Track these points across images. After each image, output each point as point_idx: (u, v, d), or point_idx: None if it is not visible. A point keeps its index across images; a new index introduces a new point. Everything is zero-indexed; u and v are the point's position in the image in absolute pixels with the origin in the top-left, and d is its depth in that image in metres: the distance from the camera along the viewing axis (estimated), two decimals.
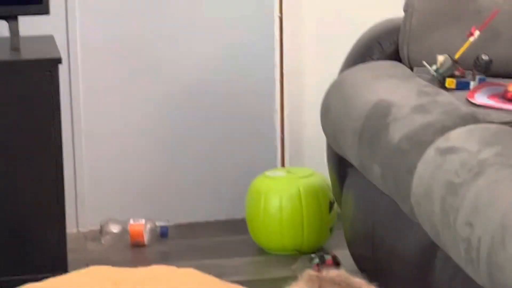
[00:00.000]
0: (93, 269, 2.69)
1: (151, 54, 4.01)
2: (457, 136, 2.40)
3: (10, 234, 3.23)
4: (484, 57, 3.00)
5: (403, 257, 2.70)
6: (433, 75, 3.04)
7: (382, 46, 3.45)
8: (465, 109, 2.70)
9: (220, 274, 3.04)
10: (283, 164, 4.24)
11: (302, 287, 1.37)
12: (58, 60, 3.18)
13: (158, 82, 4.03)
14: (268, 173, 3.81)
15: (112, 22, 3.93)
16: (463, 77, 3.02)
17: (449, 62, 3.00)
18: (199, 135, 4.15)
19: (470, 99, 2.82)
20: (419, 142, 2.50)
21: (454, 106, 2.72)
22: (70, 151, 3.80)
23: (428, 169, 2.35)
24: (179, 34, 4.03)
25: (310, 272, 1.53)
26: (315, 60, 4.30)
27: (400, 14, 3.81)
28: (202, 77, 4.14)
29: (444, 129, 2.48)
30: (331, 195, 3.67)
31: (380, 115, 2.84)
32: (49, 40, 3.50)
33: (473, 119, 2.58)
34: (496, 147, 2.22)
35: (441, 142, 2.38)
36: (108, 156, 4.03)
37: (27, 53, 3.40)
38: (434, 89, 2.94)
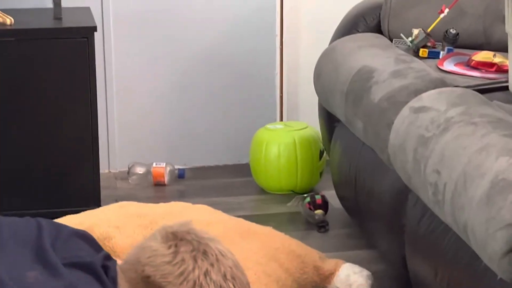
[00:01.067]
0: (122, 204, 2.86)
1: (172, 24, 3.98)
2: (428, 97, 2.39)
3: (53, 174, 3.30)
4: (452, 31, 3.01)
5: (380, 198, 2.70)
6: (408, 46, 3.05)
7: (366, 21, 3.42)
8: (435, 74, 2.70)
9: (227, 209, 3.13)
10: (281, 119, 4.17)
11: (160, 243, 1.44)
12: (94, 28, 3.21)
13: (178, 47, 4.02)
14: (269, 126, 3.78)
15: None
16: (434, 47, 3.03)
17: (423, 34, 3.00)
18: (214, 93, 4.13)
19: (439, 67, 2.84)
20: (396, 102, 2.50)
21: (426, 72, 2.70)
22: (103, 105, 3.84)
23: (403, 124, 2.34)
24: (195, 7, 3.96)
25: (167, 229, 1.46)
26: (310, 31, 4.21)
27: None
28: (216, 47, 4.10)
29: (417, 91, 2.47)
30: (321, 145, 3.67)
31: (363, 79, 2.81)
32: (86, 11, 3.53)
33: (442, 83, 2.57)
34: (460, 107, 2.21)
35: (415, 102, 2.37)
36: (135, 110, 4.02)
37: (68, 22, 3.40)
38: (409, 57, 2.90)
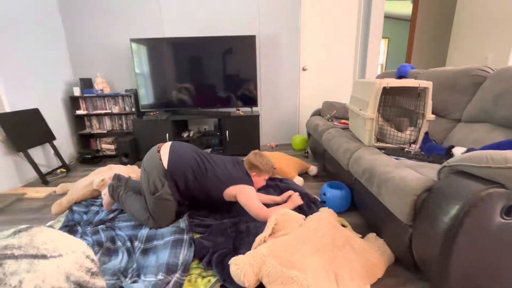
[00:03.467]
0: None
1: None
2: (331, 130, 3.41)
3: None
4: (337, 114, 4.13)
5: (320, 149, 3.76)
6: (327, 119, 4.06)
7: (318, 112, 4.54)
8: (332, 125, 3.65)
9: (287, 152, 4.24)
10: (298, 132, 5.11)
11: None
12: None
13: None
14: (295, 135, 4.87)
15: None
16: (332, 120, 3.98)
17: (330, 115, 4.11)
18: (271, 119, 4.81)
19: (333, 123, 3.65)
20: (323, 131, 3.58)
21: (330, 124, 3.64)
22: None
23: (326, 136, 3.30)
24: None
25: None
26: (308, 102, 5.05)
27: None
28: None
29: (328, 129, 3.56)
30: (307, 139, 4.62)
31: (316, 126, 3.87)
32: None
33: (332, 127, 3.52)
34: (338, 132, 3.14)
35: (328, 131, 3.39)
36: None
37: None
38: (327, 122, 3.85)
